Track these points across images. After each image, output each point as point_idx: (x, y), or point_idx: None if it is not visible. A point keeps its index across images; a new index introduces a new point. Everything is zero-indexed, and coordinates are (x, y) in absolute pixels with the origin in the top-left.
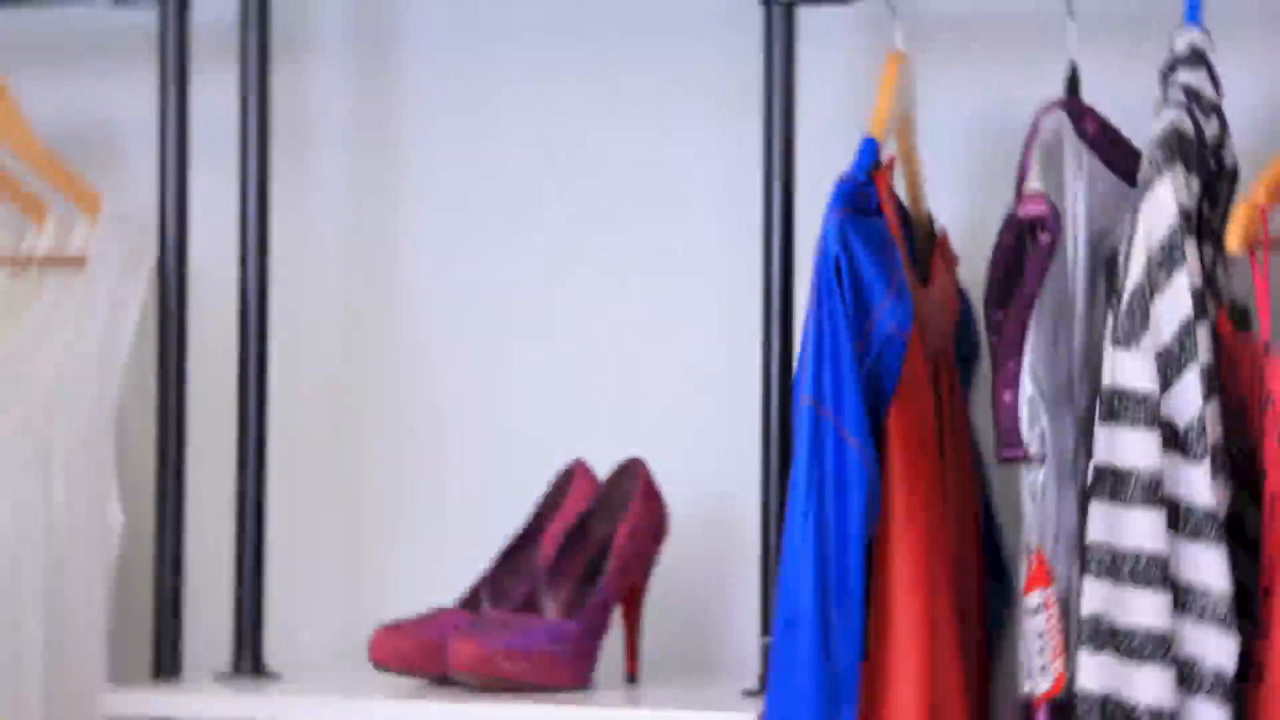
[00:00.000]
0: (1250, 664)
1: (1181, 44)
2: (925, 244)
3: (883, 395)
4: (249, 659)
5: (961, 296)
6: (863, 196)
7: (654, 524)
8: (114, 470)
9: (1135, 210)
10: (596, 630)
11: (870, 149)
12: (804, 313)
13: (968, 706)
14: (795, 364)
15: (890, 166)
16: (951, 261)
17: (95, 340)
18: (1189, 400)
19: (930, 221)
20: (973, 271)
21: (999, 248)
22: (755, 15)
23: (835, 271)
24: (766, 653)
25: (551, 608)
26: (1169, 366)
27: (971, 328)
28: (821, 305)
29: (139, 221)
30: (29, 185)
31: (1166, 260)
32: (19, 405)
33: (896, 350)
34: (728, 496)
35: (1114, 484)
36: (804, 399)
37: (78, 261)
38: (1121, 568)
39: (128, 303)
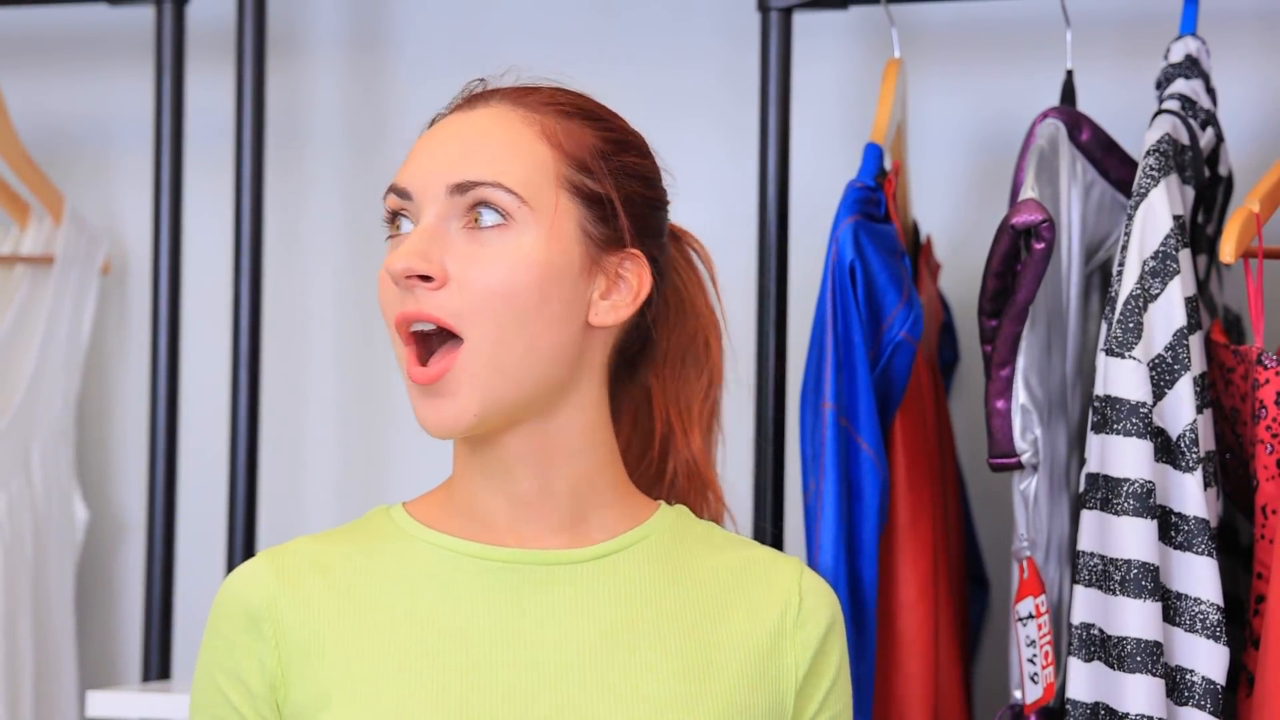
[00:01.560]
0: (1241, 674)
1: (1177, 53)
2: (910, 252)
3: (890, 401)
4: None
5: (943, 304)
6: (872, 203)
7: None
8: (74, 466)
9: (1129, 219)
10: None
11: (875, 155)
12: (798, 316)
13: (968, 712)
14: (801, 368)
15: (896, 173)
16: (935, 269)
17: (63, 338)
18: (1181, 410)
19: (915, 229)
20: (967, 279)
21: (993, 255)
22: (752, 21)
23: (850, 277)
24: None
25: None
26: (1162, 376)
27: (952, 336)
28: (836, 311)
29: (93, 223)
30: (14, 185)
31: (1160, 269)
32: (6, 403)
33: (906, 357)
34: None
35: (1106, 493)
36: (827, 404)
37: (47, 260)
38: (1112, 577)
39: (85, 302)
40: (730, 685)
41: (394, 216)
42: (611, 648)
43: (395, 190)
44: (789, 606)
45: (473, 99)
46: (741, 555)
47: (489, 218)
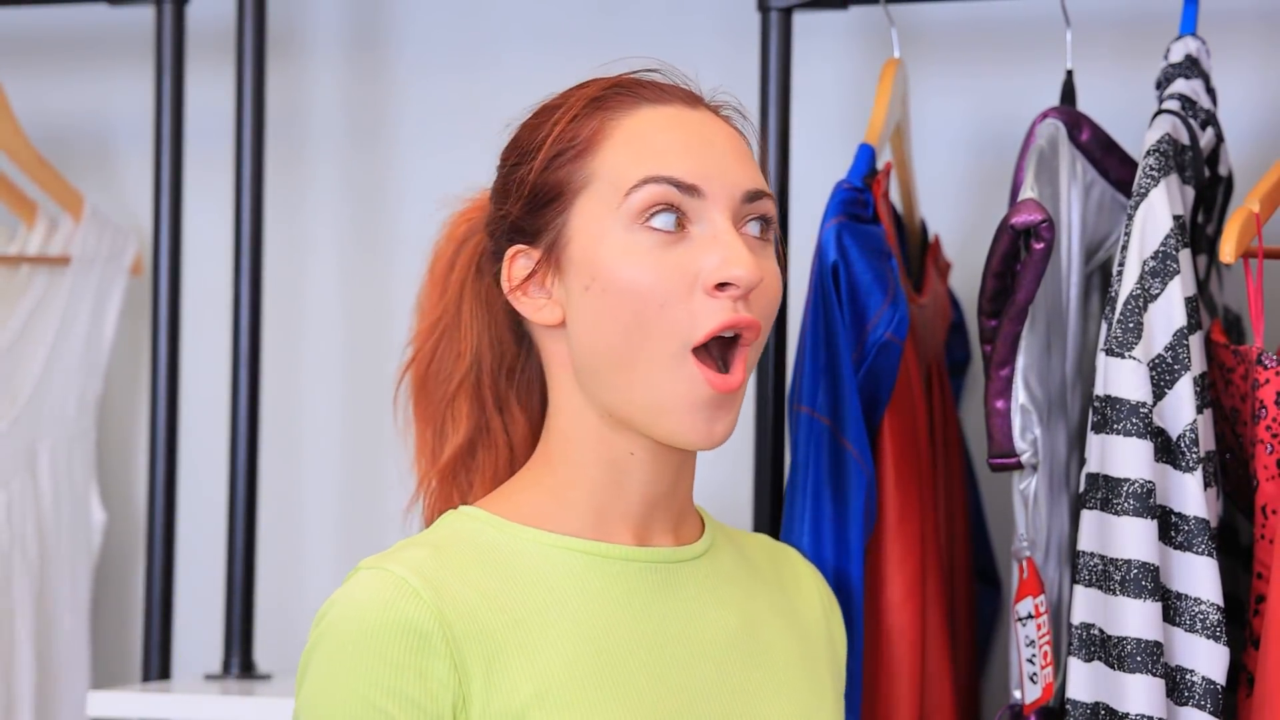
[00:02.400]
0: (1241, 674)
1: (1177, 53)
2: (918, 251)
3: (877, 402)
4: (239, 659)
5: (954, 303)
6: (859, 204)
7: None
8: (94, 468)
9: (1129, 219)
10: None
11: (866, 156)
12: (799, 317)
13: (958, 711)
14: (791, 368)
15: (887, 174)
16: (944, 268)
17: (79, 339)
18: (1181, 410)
19: (923, 228)
20: (967, 279)
21: (993, 255)
22: (752, 21)
23: (833, 279)
24: None
25: None
26: (1162, 376)
27: (963, 335)
28: (819, 312)
29: (118, 222)
30: (20, 184)
31: (1160, 269)
32: (9, 403)
33: (892, 358)
34: (721, 501)
35: (1106, 493)
36: (801, 407)
37: (63, 261)
38: (1112, 577)
39: (108, 303)
40: (826, 654)
41: (654, 209)
42: (750, 637)
43: (677, 184)
44: (820, 590)
45: (690, 99)
46: (756, 540)
47: (757, 228)
